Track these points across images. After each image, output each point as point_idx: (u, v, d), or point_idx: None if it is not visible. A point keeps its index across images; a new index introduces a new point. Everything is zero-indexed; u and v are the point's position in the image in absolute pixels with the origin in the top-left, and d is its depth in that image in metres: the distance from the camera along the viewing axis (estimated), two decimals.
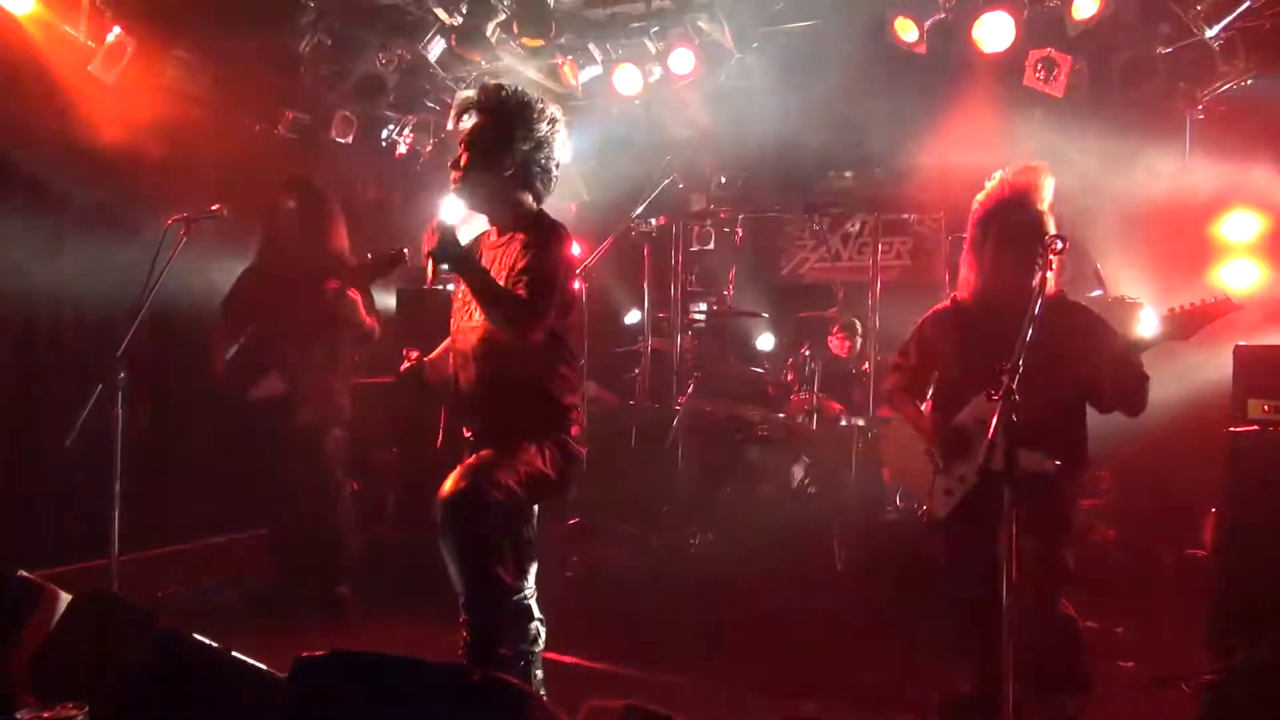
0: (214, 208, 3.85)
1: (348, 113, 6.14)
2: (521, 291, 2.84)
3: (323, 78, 5.91)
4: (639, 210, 5.94)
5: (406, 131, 6.73)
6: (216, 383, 4.63)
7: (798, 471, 5.31)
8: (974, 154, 5.82)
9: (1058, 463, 2.87)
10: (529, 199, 3.09)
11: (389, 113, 6.40)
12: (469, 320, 3.08)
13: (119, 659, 1.73)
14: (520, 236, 3.01)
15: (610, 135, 6.92)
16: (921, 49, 5.07)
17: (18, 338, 4.89)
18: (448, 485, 2.84)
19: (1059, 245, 2.60)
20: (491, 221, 3.15)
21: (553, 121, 3.07)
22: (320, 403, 4.46)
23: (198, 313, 5.76)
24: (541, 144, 3.04)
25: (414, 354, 3.21)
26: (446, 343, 3.27)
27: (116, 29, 4.74)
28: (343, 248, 4.56)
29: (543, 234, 2.99)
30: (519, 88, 3.06)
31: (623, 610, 4.72)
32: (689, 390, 5.97)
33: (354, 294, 4.21)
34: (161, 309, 5.44)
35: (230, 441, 5.74)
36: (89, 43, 4.69)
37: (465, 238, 2.98)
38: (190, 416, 5.77)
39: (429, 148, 6.96)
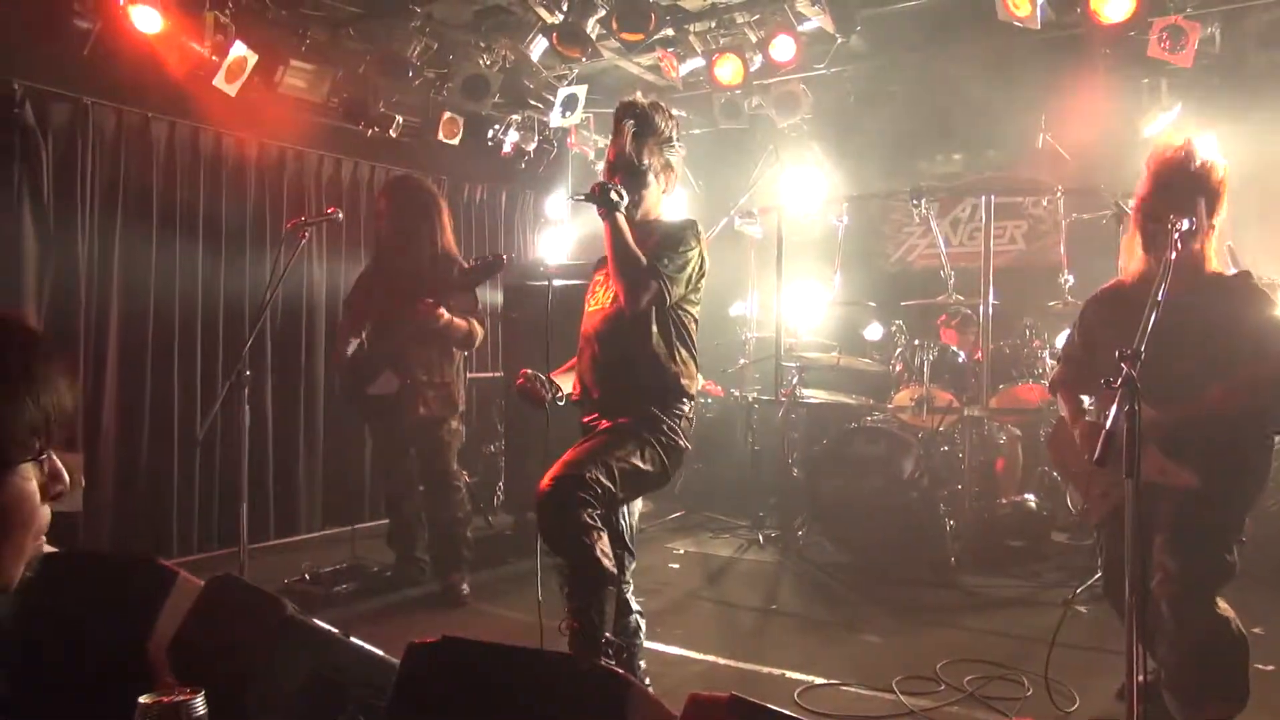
0: (329, 211, 4.01)
1: (454, 114, 6.29)
2: (647, 260, 3.05)
3: (430, 81, 6.07)
4: (742, 199, 5.91)
5: (511, 130, 6.86)
6: (339, 378, 4.82)
7: (908, 463, 5.19)
8: (1094, 131, 5.57)
9: (1194, 480, 2.62)
10: (660, 200, 3.30)
11: (493, 112, 6.52)
12: (594, 304, 3.26)
13: (248, 642, 1.82)
14: (655, 230, 3.19)
15: (713, 126, 6.90)
16: (1035, 24, 4.86)
17: (155, 339, 5.17)
18: (543, 481, 2.94)
19: (1184, 225, 2.45)
20: (631, 223, 3.20)
21: (677, 127, 3.31)
22: (436, 398, 4.55)
23: (319, 311, 6.04)
24: (670, 142, 3.26)
25: (526, 371, 3.30)
26: (573, 360, 3.37)
27: (239, 43, 4.96)
28: (448, 245, 4.62)
29: (671, 227, 3.21)
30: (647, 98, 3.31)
31: (728, 603, 4.71)
32: (794, 381, 5.90)
33: (440, 311, 4.29)
34: (285, 308, 5.75)
35: (351, 435, 5.99)
36: (213, 58, 4.92)
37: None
38: (313, 411, 6.03)
39: (533, 145, 7.07)
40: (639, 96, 3.27)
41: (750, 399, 6.34)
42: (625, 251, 3.03)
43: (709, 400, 6.76)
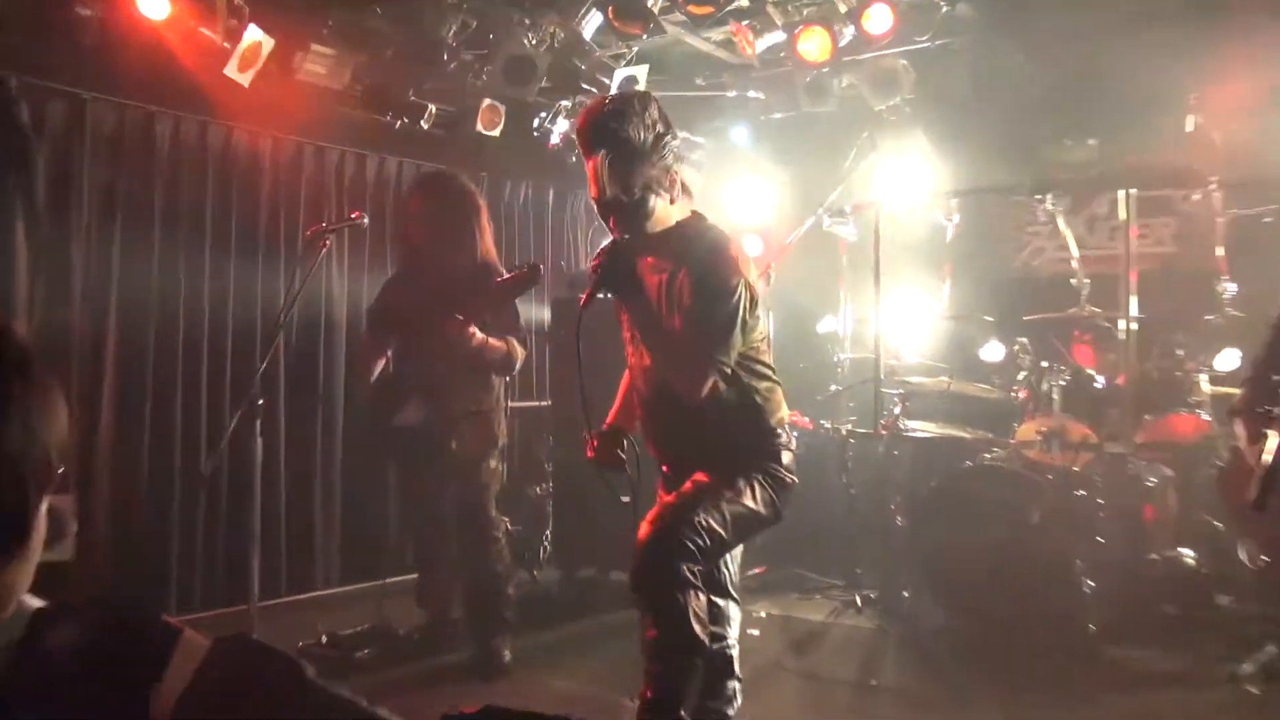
0: (353, 215, 4.10)
1: (494, 101, 6.37)
2: (690, 339, 2.99)
3: (467, 64, 6.16)
4: (832, 196, 5.88)
5: (560, 119, 6.92)
6: (361, 406, 4.87)
7: (1035, 510, 5.09)
8: (1255, 112, 5.44)
9: None
10: (671, 210, 3.16)
11: (540, 99, 6.58)
12: (641, 360, 3.22)
13: (260, 711, 1.85)
14: (682, 265, 3.08)
15: (797, 110, 6.90)
16: None
17: (157, 360, 5.32)
18: (644, 528, 2.97)
19: None
20: (643, 244, 3.15)
21: (659, 112, 3.10)
22: (471, 431, 4.55)
23: (338, 330, 6.15)
24: (659, 144, 3.07)
25: (593, 437, 3.35)
26: (626, 379, 3.40)
27: (252, 27, 5.10)
28: (487, 252, 4.65)
29: (702, 256, 3.08)
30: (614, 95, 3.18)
31: (819, 677, 4.67)
32: (897, 411, 5.84)
33: (473, 330, 4.29)
34: (301, 326, 5.87)
35: (375, 475, 6.08)
36: (225, 44, 5.07)
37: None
38: (331, 445, 6.14)
39: None
40: (602, 104, 3.13)
41: (845, 432, 6.29)
42: (660, 340, 3.05)
43: (796, 434, 6.71)
